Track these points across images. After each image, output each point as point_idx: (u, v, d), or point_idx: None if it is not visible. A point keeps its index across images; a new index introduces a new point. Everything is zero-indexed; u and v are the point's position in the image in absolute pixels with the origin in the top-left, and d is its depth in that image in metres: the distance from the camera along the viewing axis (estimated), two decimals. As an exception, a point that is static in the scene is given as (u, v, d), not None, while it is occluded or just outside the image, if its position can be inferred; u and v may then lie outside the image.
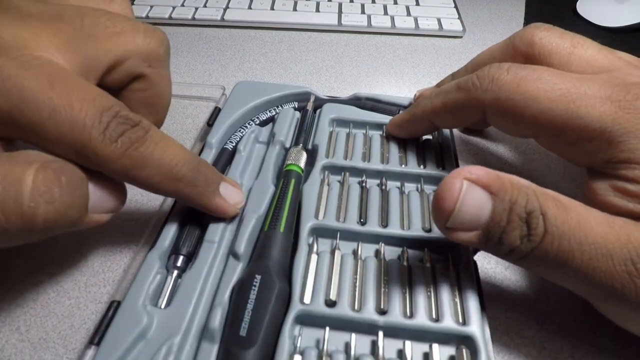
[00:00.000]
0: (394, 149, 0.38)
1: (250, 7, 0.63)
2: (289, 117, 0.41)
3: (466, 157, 0.41)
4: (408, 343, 0.26)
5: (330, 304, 0.27)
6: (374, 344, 0.27)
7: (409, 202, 0.34)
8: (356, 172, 0.36)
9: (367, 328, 0.27)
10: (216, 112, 0.42)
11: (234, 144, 0.39)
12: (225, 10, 0.62)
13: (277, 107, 0.43)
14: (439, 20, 0.60)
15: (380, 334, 0.26)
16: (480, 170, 0.24)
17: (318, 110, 0.42)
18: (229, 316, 0.26)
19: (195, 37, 0.59)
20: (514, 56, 0.34)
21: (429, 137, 0.39)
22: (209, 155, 0.37)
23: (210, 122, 0.41)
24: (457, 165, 0.36)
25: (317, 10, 0.63)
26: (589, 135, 0.26)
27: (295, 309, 0.27)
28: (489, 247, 0.25)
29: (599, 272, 0.22)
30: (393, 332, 0.27)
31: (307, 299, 0.27)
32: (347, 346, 0.26)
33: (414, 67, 0.54)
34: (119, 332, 0.26)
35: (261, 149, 0.39)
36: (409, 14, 0.62)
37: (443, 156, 0.37)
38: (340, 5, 0.64)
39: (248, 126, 0.41)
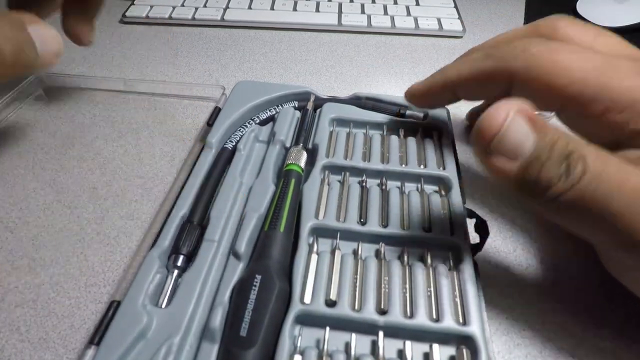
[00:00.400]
0: (394, 149, 0.38)
1: (250, 7, 0.63)
2: (289, 117, 0.41)
3: (467, 158, 0.41)
4: (408, 343, 0.26)
5: (331, 303, 0.27)
6: (374, 344, 0.27)
7: (409, 202, 0.34)
8: (356, 171, 0.36)
9: (368, 328, 0.27)
10: (216, 111, 0.42)
11: (234, 144, 0.39)
12: (225, 10, 0.62)
13: (277, 106, 0.43)
14: (439, 20, 0.60)
15: (381, 334, 0.26)
16: (526, 105, 0.24)
17: (318, 110, 0.42)
18: (229, 316, 0.26)
19: (195, 37, 0.59)
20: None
21: (430, 136, 0.39)
22: (209, 155, 0.37)
23: (210, 122, 0.41)
24: (458, 166, 0.36)
25: (317, 10, 0.63)
26: (619, 106, 0.26)
27: (295, 308, 0.27)
28: (524, 184, 0.24)
29: (636, 222, 0.22)
30: (393, 332, 0.27)
31: (307, 298, 0.27)
32: (348, 346, 0.26)
33: (414, 67, 0.54)
34: (118, 331, 0.26)
35: (261, 148, 0.39)
36: (409, 14, 0.62)
37: (443, 156, 0.37)
38: (340, 5, 0.64)
39: (248, 125, 0.41)
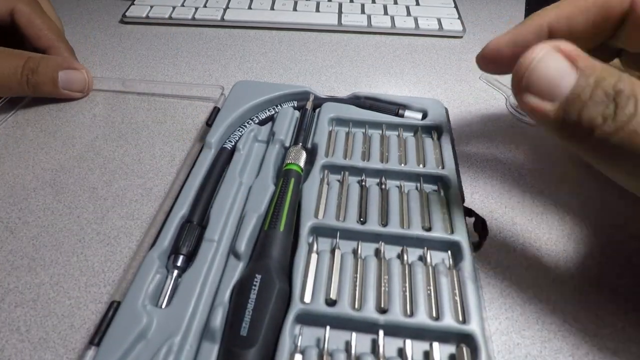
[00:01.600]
0: (393, 148, 0.38)
1: (250, 7, 0.63)
2: (288, 116, 0.41)
3: (466, 158, 0.41)
4: (408, 342, 0.26)
5: (331, 303, 0.27)
6: (375, 343, 0.27)
7: (408, 201, 0.34)
8: (356, 171, 0.36)
9: (368, 327, 0.27)
10: (215, 111, 0.42)
11: (233, 143, 0.39)
12: (225, 10, 0.62)
13: (276, 106, 0.43)
14: (439, 20, 0.60)
15: (381, 332, 0.26)
16: (569, 44, 0.23)
17: (317, 110, 0.42)
18: (230, 316, 0.26)
19: (195, 37, 0.59)
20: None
21: (429, 135, 0.39)
22: (208, 155, 0.37)
23: (210, 122, 0.41)
24: (457, 164, 0.36)
25: (317, 10, 0.63)
26: None
27: (295, 308, 0.27)
28: (566, 126, 0.23)
29: None
30: (393, 330, 0.27)
31: (307, 298, 0.27)
32: (348, 345, 0.26)
33: (414, 67, 0.54)
34: (119, 332, 0.26)
35: (260, 148, 0.39)
36: (409, 14, 0.62)
37: (442, 155, 0.37)
38: (340, 5, 0.64)
39: (247, 125, 0.41)
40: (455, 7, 0.64)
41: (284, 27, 0.61)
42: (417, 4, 0.64)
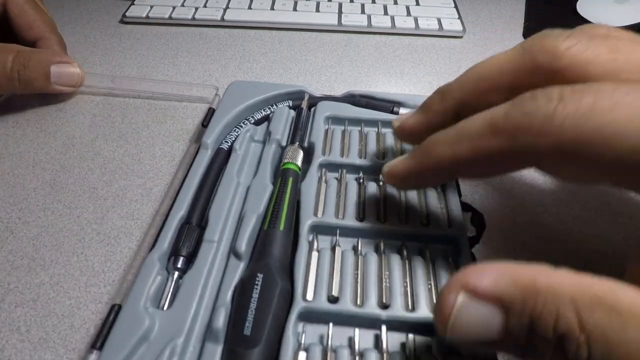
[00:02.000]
0: (389, 145, 0.38)
1: (250, 7, 0.63)
2: (284, 116, 0.41)
3: None
4: (411, 336, 0.26)
5: (333, 300, 0.28)
6: (377, 338, 0.27)
7: (406, 197, 0.34)
8: (353, 169, 0.36)
9: (370, 322, 0.27)
10: (210, 112, 0.42)
11: (229, 144, 0.39)
12: (225, 10, 0.62)
13: (272, 106, 0.43)
14: (439, 20, 0.60)
15: (384, 328, 0.26)
16: (484, 275, 0.18)
17: (312, 108, 0.42)
18: (232, 316, 0.26)
19: (195, 37, 0.59)
20: (533, 71, 0.25)
21: None
22: (205, 156, 0.37)
23: (205, 123, 0.41)
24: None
25: (317, 10, 0.63)
26: None
27: (298, 306, 0.27)
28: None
29: None
30: (396, 325, 0.27)
31: (309, 296, 0.28)
32: (351, 341, 0.26)
33: (414, 67, 0.54)
34: (121, 335, 0.25)
35: (257, 148, 0.39)
36: (409, 14, 0.62)
37: None
38: (340, 5, 0.64)
39: (243, 125, 0.41)
40: (455, 7, 0.64)
41: (284, 27, 0.61)
42: (417, 4, 0.64)
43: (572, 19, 0.64)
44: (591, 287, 0.17)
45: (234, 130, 0.40)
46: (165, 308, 0.28)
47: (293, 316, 0.26)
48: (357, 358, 0.25)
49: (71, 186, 0.38)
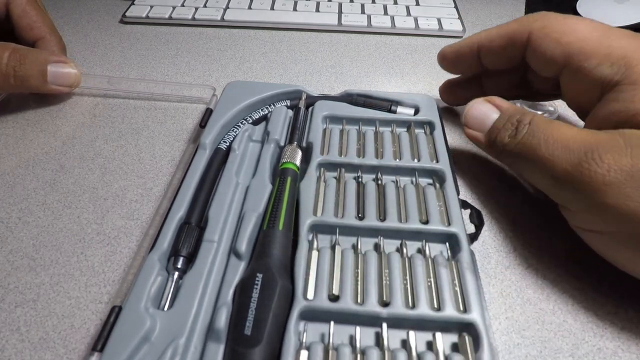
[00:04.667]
0: (387, 144, 0.38)
1: (250, 7, 0.63)
2: (282, 115, 0.41)
3: (458, 152, 0.42)
4: (412, 333, 0.26)
5: (334, 298, 0.28)
6: (378, 336, 0.27)
7: (405, 195, 0.34)
8: (352, 168, 0.37)
9: (371, 320, 0.27)
10: (208, 113, 0.42)
11: (227, 144, 0.39)
12: (225, 10, 0.62)
13: (269, 105, 0.43)
14: (439, 20, 0.61)
15: (384, 325, 0.26)
16: (496, 98, 0.35)
17: (310, 108, 0.42)
18: (233, 316, 0.26)
19: (195, 37, 0.59)
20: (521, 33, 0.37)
21: (422, 130, 0.40)
22: (203, 156, 0.37)
23: (203, 124, 0.41)
24: (451, 158, 0.37)
25: (317, 10, 0.63)
26: (611, 59, 0.30)
27: (299, 305, 0.27)
28: (489, 145, 0.34)
29: (556, 159, 0.28)
30: (396, 323, 0.27)
31: (310, 294, 0.28)
32: (352, 339, 0.27)
33: (414, 67, 0.54)
34: (122, 337, 0.25)
35: (255, 148, 0.40)
36: (409, 14, 0.63)
37: (436, 149, 0.38)
38: (340, 5, 0.64)
39: (241, 125, 0.41)
40: (455, 7, 0.64)
41: (284, 27, 0.61)
42: (417, 4, 0.65)
43: (572, 19, 0.64)
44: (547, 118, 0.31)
45: (232, 130, 0.40)
46: (166, 308, 0.28)
47: (294, 315, 0.26)
48: (358, 356, 0.25)
49: (71, 186, 0.38)
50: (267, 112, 0.42)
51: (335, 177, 0.36)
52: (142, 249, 0.32)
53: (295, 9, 0.63)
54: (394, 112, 0.42)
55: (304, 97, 0.43)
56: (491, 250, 0.34)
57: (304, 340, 0.26)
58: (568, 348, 0.28)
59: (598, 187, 0.26)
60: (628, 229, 0.26)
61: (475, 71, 0.42)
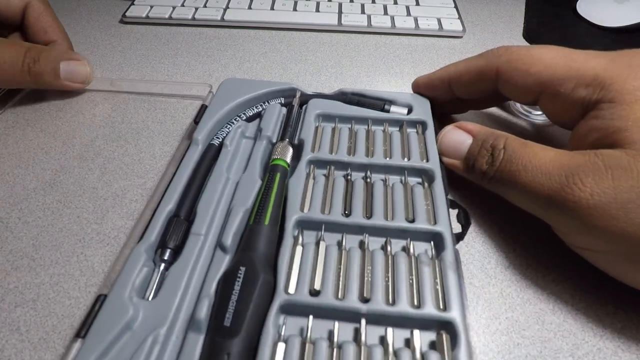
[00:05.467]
0: (378, 143, 0.38)
1: (250, 7, 0.63)
2: (275, 113, 0.41)
3: None
4: (390, 330, 0.26)
5: (315, 293, 0.28)
6: (357, 332, 0.27)
7: (392, 193, 0.34)
8: (341, 165, 0.37)
9: (350, 316, 0.27)
10: (203, 109, 0.43)
11: (220, 140, 0.39)
12: (225, 10, 0.63)
13: (264, 103, 0.44)
14: (439, 20, 0.61)
15: (363, 321, 0.27)
16: (469, 123, 0.36)
17: (304, 106, 0.43)
18: (214, 307, 0.27)
19: (195, 37, 0.59)
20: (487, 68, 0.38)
21: (414, 130, 0.40)
22: (195, 151, 0.38)
23: (197, 120, 0.42)
24: (441, 158, 0.37)
25: (317, 10, 0.63)
26: (585, 82, 0.31)
27: (279, 298, 0.27)
28: (468, 172, 0.34)
29: (538, 186, 0.29)
30: (376, 319, 0.27)
31: (291, 289, 0.28)
32: (331, 334, 0.27)
33: (413, 67, 0.54)
34: (104, 324, 0.26)
35: (248, 144, 0.40)
36: (409, 14, 0.63)
37: (427, 148, 0.38)
38: (340, 5, 0.64)
39: (235, 122, 0.41)
40: (455, 7, 0.64)
41: (284, 27, 0.61)
42: (417, 4, 0.65)
43: (572, 19, 0.64)
44: (521, 139, 0.32)
45: (226, 127, 0.41)
46: (150, 299, 0.29)
47: (274, 308, 0.27)
48: (335, 350, 0.26)
49: (71, 186, 0.38)
50: (261, 109, 0.43)
51: (324, 175, 0.36)
52: (131, 241, 0.32)
53: (295, 9, 0.63)
54: (387, 111, 0.42)
55: (298, 95, 0.43)
56: (491, 250, 0.34)
57: (283, 333, 0.26)
58: (568, 348, 0.28)
59: (584, 211, 0.26)
60: (621, 248, 0.26)
61: (450, 98, 0.42)
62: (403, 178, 0.36)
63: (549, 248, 0.33)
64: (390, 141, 0.39)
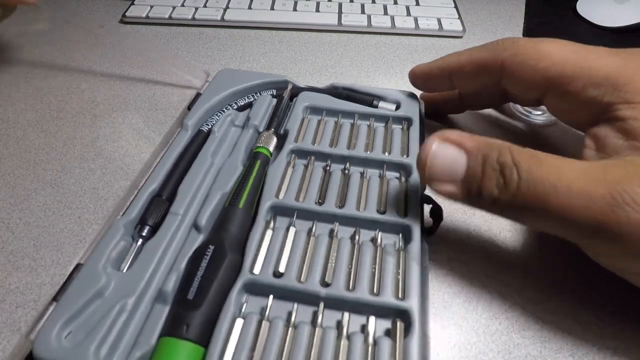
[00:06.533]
0: (361, 136, 0.39)
1: (250, 7, 0.64)
2: (265, 103, 0.42)
3: None
4: (347, 314, 0.27)
5: (278, 275, 0.29)
6: (315, 315, 0.28)
7: (368, 186, 0.35)
8: (322, 156, 0.37)
9: (310, 299, 0.28)
10: (197, 96, 0.44)
11: (209, 127, 0.41)
12: (225, 10, 0.63)
13: (256, 94, 0.45)
14: (439, 20, 0.61)
15: (321, 304, 0.28)
16: (453, 132, 0.28)
17: (295, 99, 0.43)
18: (181, 282, 0.28)
19: (195, 37, 0.60)
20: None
21: (400, 126, 0.40)
22: (185, 136, 0.39)
23: (189, 106, 0.43)
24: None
25: (317, 10, 0.63)
26: (596, 81, 0.29)
27: (243, 277, 0.28)
28: (472, 199, 0.27)
29: (579, 210, 0.23)
30: (334, 303, 0.28)
31: (256, 269, 0.29)
32: (290, 315, 0.28)
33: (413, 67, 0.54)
34: (78, 290, 0.28)
35: (236, 132, 0.41)
36: (409, 14, 0.63)
37: (409, 144, 0.38)
38: (340, 5, 0.65)
39: (226, 110, 0.43)
40: (455, 7, 0.64)
41: (284, 27, 0.62)
42: (417, 4, 0.65)
43: (572, 19, 0.63)
44: (523, 148, 0.26)
45: (216, 114, 0.42)
46: (124, 271, 0.30)
47: (237, 286, 0.28)
48: (290, 329, 0.27)
49: (72, 186, 0.39)
50: (252, 99, 0.44)
51: (304, 165, 0.37)
52: (115, 216, 0.34)
53: (295, 9, 0.64)
54: (376, 106, 0.42)
55: (289, 87, 0.44)
56: (491, 250, 0.34)
57: (243, 311, 0.27)
58: (568, 348, 0.28)
59: None
60: None
61: (448, 90, 0.41)
62: (381, 172, 0.36)
63: (549, 248, 0.33)
64: (374, 135, 0.39)
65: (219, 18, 0.62)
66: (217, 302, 0.27)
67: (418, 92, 0.44)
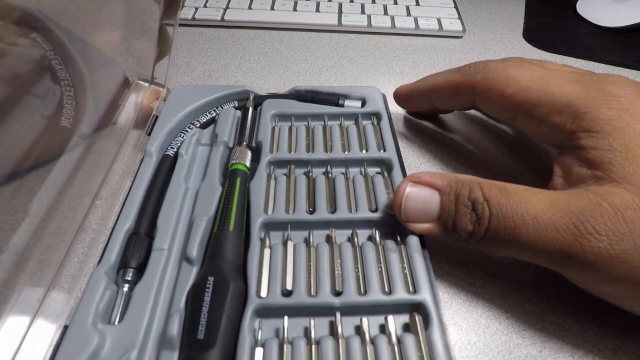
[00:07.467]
0: (336, 137, 0.39)
1: (250, 7, 0.63)
2: (230, 117, 0.41)
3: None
4: (364, 319, 0.27)
5: (287, 293, 0.28)
6: (332, 325, 0.28)
7: (354, 186, 0.35)
8: (301, 163, 0.37)
9: (325, 311, 0.28)
10: (153, 119, 0.42)
11: (175, 150, 0.38)
12: (225, 10, 0.62)
13: (217, 108, 0.43)
14: (439, 20, 0.61)
15: (338, 314, 0.27)
16: (423, 174, 0.30)
17: (259, 108, 0.42)
18: (186, 321, 0.26)
19: (195, 37, 0.58)
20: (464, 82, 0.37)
21: (369, 121, 0.41)
22: (150, 164, 0.36)
23: (149, 131, 0.40)
24: (397, 146, 0.38)
25: (317, 10, 0.63)
26: (558, 108, 0.30)
27: (252, 303, 0.27)
28: (449, 235, 0.29)
29: (547, 241, 0.25)
30: (349, 310, 0.28)
31: (263, 292, 0.28)
32: (307, 331, 0.27)
33: (413, 67, 0.54)
34: (68, 356, 0.25)
35: (205, 151, 0.39)
36: (409, 14, 0.63)
37: (383, 139, 0.39)
38: (340, 5, 0.64)
39: (189, 130, 0.40)
40: (455, 7, 0.65)
41: (284, 27, 0.61)
42: (417, 4, 0.65)
43: (572, 19, 0.65)
44: (491, 180, 0.28)
45: (179, 136, 0.40)
46: (116, 322, 0.27)
47: (248, 314, 0.27)
48: (313, 347, 0.26)
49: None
50: (214, 114, 0.42)
51: (285, 174, 0.36)
52: (88, 265, 0.31)
53: (295, 9, 0.63)
54: (342, 105, 0.42)
55: (251, 97, 0.43)
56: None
57: (259, 338, 0.26)
58: (568, 348, 0.28)
59: (606, 262, 0.24)
60: None
61: (429, 109, 0.43)
62: (363, 170, 0.37)
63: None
64: (347, 135, 0.39)
65: (219, 18, 0.60)
66: (231, 336, 0.26)
67: (379, 86, 0.45)
